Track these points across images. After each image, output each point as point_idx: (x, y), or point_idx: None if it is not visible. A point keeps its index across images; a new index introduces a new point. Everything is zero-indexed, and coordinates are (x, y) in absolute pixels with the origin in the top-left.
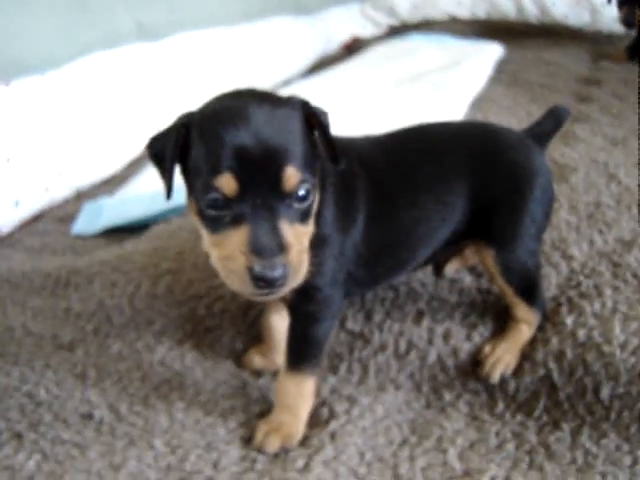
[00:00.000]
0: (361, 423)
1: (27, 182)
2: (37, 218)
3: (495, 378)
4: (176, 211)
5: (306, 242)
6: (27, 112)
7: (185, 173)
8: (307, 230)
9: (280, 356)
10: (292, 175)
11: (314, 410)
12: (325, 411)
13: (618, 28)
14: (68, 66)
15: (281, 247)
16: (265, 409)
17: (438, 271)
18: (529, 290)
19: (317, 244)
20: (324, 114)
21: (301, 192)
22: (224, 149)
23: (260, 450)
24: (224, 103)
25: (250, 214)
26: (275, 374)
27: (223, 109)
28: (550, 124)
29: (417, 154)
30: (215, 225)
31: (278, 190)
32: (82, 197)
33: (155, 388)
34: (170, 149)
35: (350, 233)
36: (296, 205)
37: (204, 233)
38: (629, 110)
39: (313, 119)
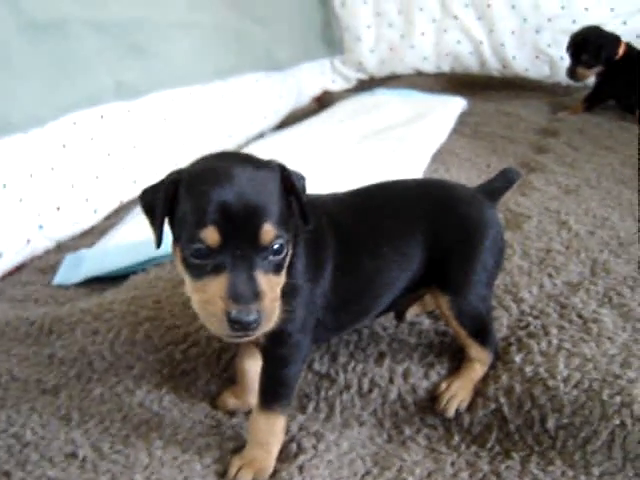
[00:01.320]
0: (327, 457)
1: (10, 235)
2: (19, 269)
3: (451, 413)
4: (154, 261)
5: (278, 291)
6: (11, 169)
7: (172, 224)
8: (280, 280)
9: (252, 397)
10: (268, 231)
11: (284, 446)
12: (294, 446)
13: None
14: (51, 124)
15: (256, 295)
16: (238, 446)
17: (400, 317)
18: (481, 332)
19: (289, 293)
20: (300, 179)
21: (276, 246)
22: (209, 205)
23: None
24: (210, 163)
25: (230, 264)
26: (247, 413)
27: (209, 169)
28: (501, 183)
29: (378, 210)
30: (198, 272)
31: (256, 244)
32: (62, 248)
33: (135, 428)
34: (160, 202)
35: (319, 283)
36: (271, 257)
37: (187, 279)
38: (583, 160)
39: (288, 182)
